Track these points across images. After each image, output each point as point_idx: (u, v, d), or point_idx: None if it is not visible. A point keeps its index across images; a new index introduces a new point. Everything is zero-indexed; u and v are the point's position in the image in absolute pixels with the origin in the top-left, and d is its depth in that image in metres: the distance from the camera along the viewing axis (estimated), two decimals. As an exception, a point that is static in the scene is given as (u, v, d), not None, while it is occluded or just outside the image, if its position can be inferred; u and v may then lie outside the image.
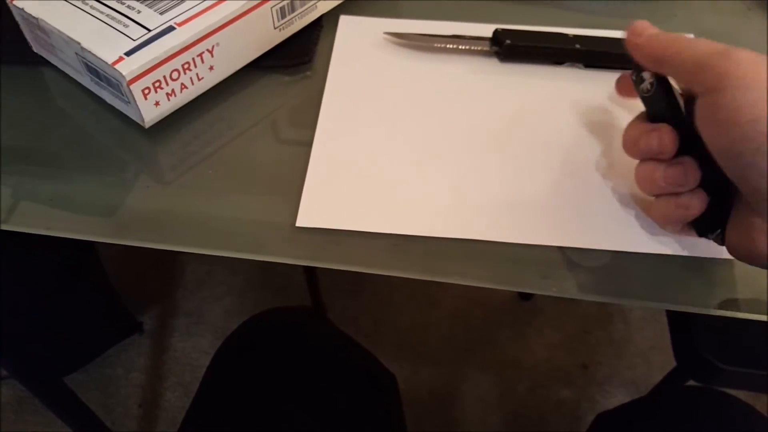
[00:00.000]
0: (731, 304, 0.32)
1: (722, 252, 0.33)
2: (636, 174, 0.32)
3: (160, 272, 1.18)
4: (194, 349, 1.08)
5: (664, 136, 0.30)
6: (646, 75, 0.31)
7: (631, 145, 0.32)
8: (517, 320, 1.13)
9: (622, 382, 1.05)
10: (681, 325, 0.68)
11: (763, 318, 0.32)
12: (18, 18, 0.39)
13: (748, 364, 0.62)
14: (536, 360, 1.08)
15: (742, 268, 0.33)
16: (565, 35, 0.42)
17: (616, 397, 1.04)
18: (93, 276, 0.94)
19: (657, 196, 0.32)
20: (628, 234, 0.34)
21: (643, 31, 0.31)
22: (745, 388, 0.65)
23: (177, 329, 1.11)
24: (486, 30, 0.43)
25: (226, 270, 1.18)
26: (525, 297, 1.15)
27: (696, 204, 0.30)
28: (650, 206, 0.33)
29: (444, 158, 0.37)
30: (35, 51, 0.41)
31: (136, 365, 1.06)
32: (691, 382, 0.68)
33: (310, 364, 0.53)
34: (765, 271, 0.32)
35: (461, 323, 1.12)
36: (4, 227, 0.34)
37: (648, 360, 1.08)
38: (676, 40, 0.29)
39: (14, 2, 0.38)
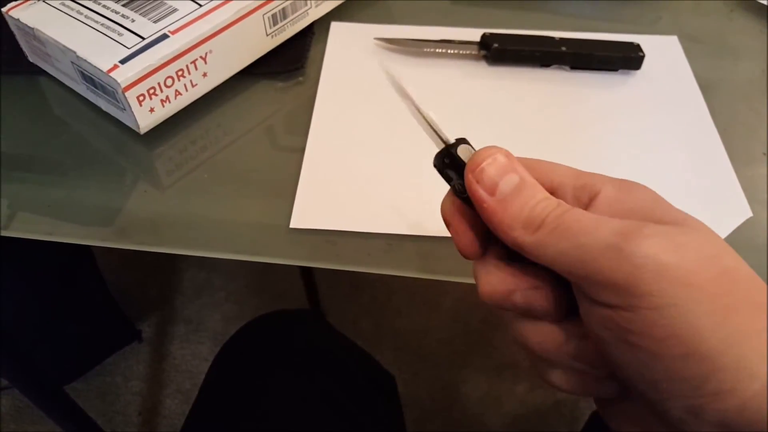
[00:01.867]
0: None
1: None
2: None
3: (159, 280, 1.18)
4: (193, 356, 1.09)
5: (550, 297, 0.22)
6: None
7: (499, 296, 0.24)
8: (515, 322, 1.13)
9: (619, 382, 1.06)
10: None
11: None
12: (14, 28, 0.40)
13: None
14: (534, 361, 1.08)
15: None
16: (552, 38, 0.43)
17: (614, 397, 1.04)
18: (91, 284, 0.94)
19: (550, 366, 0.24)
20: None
21: (491, 180, 0.22)
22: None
23: (176, 336, 1.11)
24: (474, 34, 0.44)
25: (225, 276, 1.18)
26: (522, 298, 1.16)
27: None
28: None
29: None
30: (31, 60, 0.42)
31: (135, 373, 1.06)
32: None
33: (309, 367, 0.54)
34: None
35: (460, 326, 1.13)
36: (6, 233, 0.34)
37: (645, 359, 1.08)
38: (559, 220, 0.20)
39: (10, 12, 0.39)
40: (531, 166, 0.23)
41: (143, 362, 1.08)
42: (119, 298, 1.00)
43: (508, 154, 0.22)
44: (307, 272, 1.08)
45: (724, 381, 0.17)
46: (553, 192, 0.22)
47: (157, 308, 1.14)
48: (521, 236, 0.21)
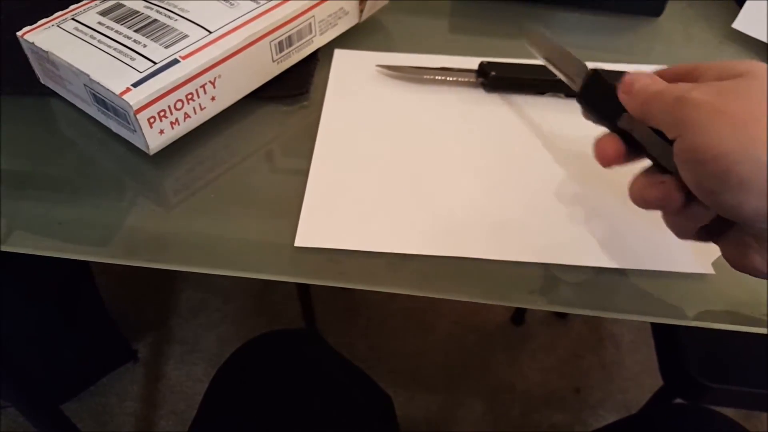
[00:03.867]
0: (712, 315, 0.34)
1: (702, 266, 0.34)
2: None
3: (155, 300, 1.18)
4: (188, 377, 1.08)
5: (669, 189, 0.29)
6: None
7: (638, 198, 0.31)
8: (511, 345, 1.14)
9: (614, 406, 1.06)
10: (667, 344, 0.69)
11: (743, 329, 0.34)
12: (27, 51, 0.41)
13: (735, 381, 0.64)
14: (529, 384, 1.08)
15: (721, 281, 0.35)
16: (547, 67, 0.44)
17: (609, 421, 1.04)
18: (89, 303, 0.94)
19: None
20: (610, 251, 0.36)
21: (633, 85, 0.30)
22: (731, 405, 0.66)
23: (171, 357, 1.11)
24: (472, 63, 0.45)
25: (221, 298, 1.18)
26: (517, 322, 1.17)
27: (702, 214, 0.29)
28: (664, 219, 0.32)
29: (435, 182, 0.39)
30: (43, 82, 0.43)
31: (130, 393, 1.06)
32: (679, 401, 0.69)
33: (306, 386, 0.54)
34: (742, 284, 0.33)
35: (456, 348, 1.13)
36: (16, 250, 0.35)
37: (639, 383, 1.08)
38: (655, 93, 0.29)
39: (25, 36, 0.40)
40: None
41: (138, 383, 1.07)
42: (116, 318, 1.00)
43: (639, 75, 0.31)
44: (303, 294, 1.09)
45: (742, 171, 0.25)
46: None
47: (153, 328, 1.14)
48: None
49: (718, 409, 0.54)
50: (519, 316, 1.16)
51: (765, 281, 0.34)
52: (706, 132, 0.25)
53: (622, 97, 0.31)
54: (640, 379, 1.09)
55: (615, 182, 0.39)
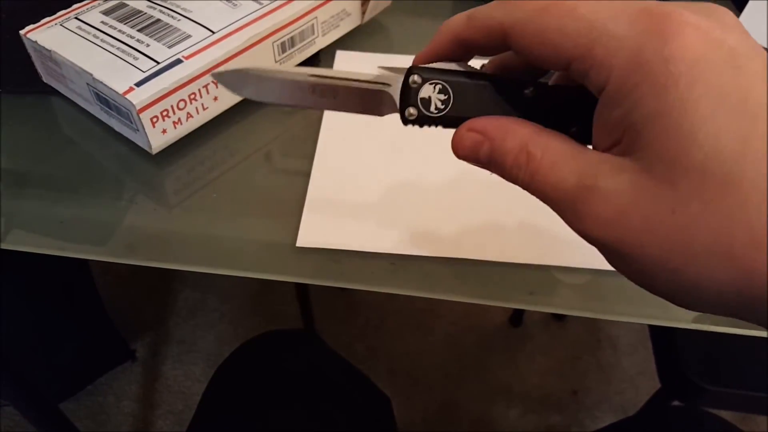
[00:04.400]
0: (709, 318, 0.34)
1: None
2: None
3: (153, 300, 1.18)
4: (186, 376, 1.08)
5: None
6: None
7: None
8: (509, 347, 1.14)
9: (611, 408, 1.06)
10: (665, 346, 0.70)
11: (741, 332, 0.34)
12: (30, 50, 0.41)
13: (732, 384, 0.64)
14: (527, 386, 1.09)
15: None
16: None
17: (606, 423, 1.04)
18: (87, 303, 0.94)
19: None
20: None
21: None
22: (728, 408, 0.66)
23: (169, 357, 1.11)
24: (473, 64, 0.45)
25: (219, 298, 1.18)
26: (515, 324, 1.17)
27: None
28: None
29: (437, 183, 0.39)
30: (45, 81, 0.43)
31: (127, 393, 1.06)
32: (676, 403, 0.69)
33: (304, 387, 0.54)
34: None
35: (454, 350, 1.13)
36: (17, 248, 0.35)
37: (636, 385, 1.09)
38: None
39: (28, 35, 0.40)
40: None
41: (135, 382, 1.07)
42: (114, 318, 1.00)
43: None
44: (302, 294, 1.09)
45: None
46: None
47: (151, 328, 1.14)
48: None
49: (715, 411, 0.55)
50: (517, 317, 1.16)
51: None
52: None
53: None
54: (638, 381, 1.09)
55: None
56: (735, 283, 0.16)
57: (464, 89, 0.23)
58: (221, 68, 0.26)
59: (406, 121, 0.24)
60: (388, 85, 0.24)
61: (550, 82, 0.24)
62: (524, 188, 0.22)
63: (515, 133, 0.21)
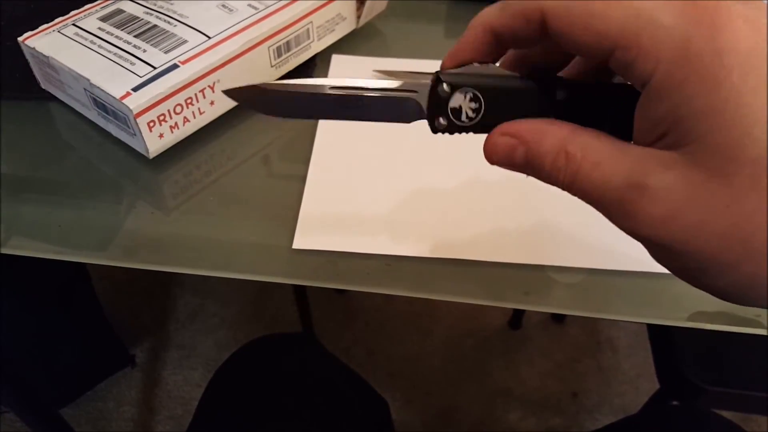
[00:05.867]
0: (707, 316, 0.34)
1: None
2: None
3: (153, 305, 1.18)
4: (186, 382, 1.08)
5: None
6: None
7: None
8: (508, 349, 1.14)
9: (611, 410, 1.06)
10: (664, 346, 0.70)
11: (739, 330, 0.34)
12: (28, 56, 0.42)
13: (731, 384, 0.64)
14: (527, 388, 1.09)
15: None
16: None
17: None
18: (87, 308, 0.94)
19: None
20: (605, 253, 0.36)
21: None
22: (728, 408, 0.66)
23: (169, 362, 1.11)
24: (469, 67, 0.46)
25: (218, 303, 1.18)
26: (514, 326, 1.17)
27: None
28: None
29: (432, 185, 0.40)
30: (43, 87, 0.43)
31: (127, 399, 1.06)
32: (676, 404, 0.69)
33: (303, 390, 0.54)
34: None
35: (453, 353, 1.13)
36: (16, 252, 0.36)
37: (636, 387, 1.09)
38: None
39: (26, 41, 0.40)
40: None
41: (135, 388, 1.07)
42: (113, 323, 1.00)
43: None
44: (301, 298, 1.09)
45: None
46: None
47: (151, 334, 1.14)
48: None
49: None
50: (516, 320, 1.17)
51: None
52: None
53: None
54: (637, 382, 1.09)
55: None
56: None
57: (496, 95, 0.22)
58: (234, 86, 0.25)
59: (435, 130, 0.23)
60: (415, 92, 0.23)
61: (562, 74, 0.23)
62: (565, 190, 0.21)
63: (551, 134, 0.21)
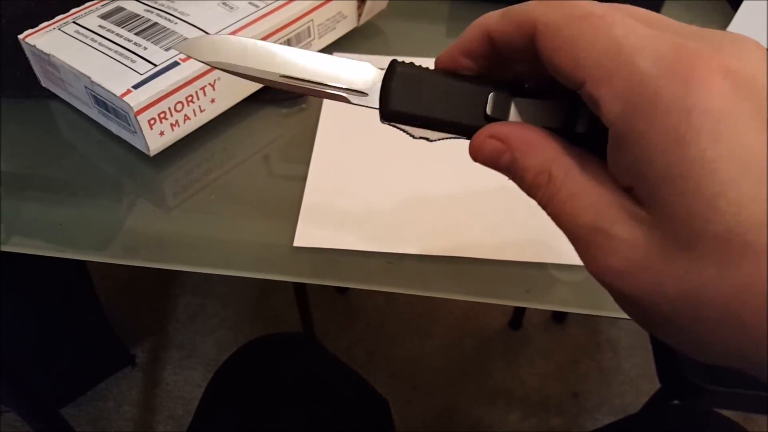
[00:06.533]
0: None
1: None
2: None
3: (153, 305, 1.18)
4: (186, 382, 1.08)
5: None
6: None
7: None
8: (508, 350, 1.14)
9: (611, 410, 1.06)
10: (664, 346, 0.69)
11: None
12: (29, 54, 0.42)
13: (732, 384, 0.64)
14: (527, 389, 1.09)
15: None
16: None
17: (607, 425, 1.05)
18: (88, 308, 0.94)
19: None
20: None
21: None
22: (729, 407, 0.66)
23: (169, 362, 1.11)
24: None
25: (219, 303, 1.18)
26: (515, 327, 1.17)
27: None
28: None
29: (433, 183, 0.39)
30: (44, 85, 0.43)
31: (128, 399, 1.06)
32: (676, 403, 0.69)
33: (303, 390, 0.54)
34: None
35: (453, 354, 1.13)
36: (18, 250, 0.35)
37: (637, 387, 1.09)
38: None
39: (26, 39, 0.40)
40: None
41: (136, 388, 1.07)
42: (114, 323, 1.00)
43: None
44: (301, 298, 1.09)
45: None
46: None
47: (151, 334, 1.14)
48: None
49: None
50: (516, 320, 1.16)
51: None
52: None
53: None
54: (638, 383, 1.09)
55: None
56: (742, 348, 0.16)
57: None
58: (190, 39, 0.25)
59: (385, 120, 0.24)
60: (364, 94, 0.24)
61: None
62: (541, 206, 0.21)
63: (540, 150, 0.20)
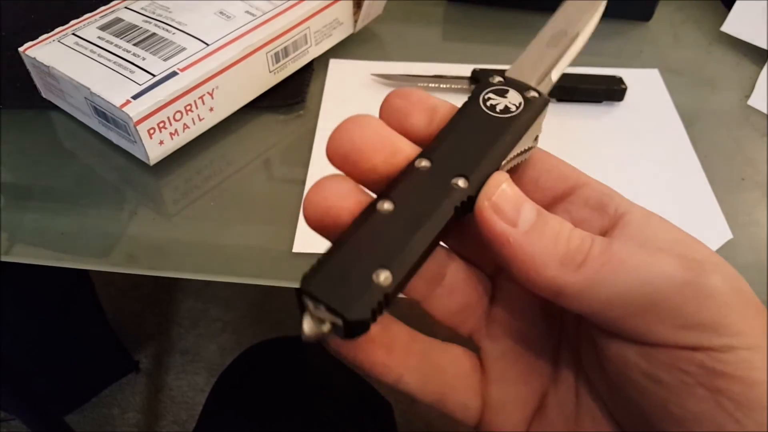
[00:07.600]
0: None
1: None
2: None
3: (156, 311, 1.19)
4: (190, 387, 1.09)
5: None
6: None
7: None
8: (510, 350, 1.14)
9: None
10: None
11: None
12: (29, 66, 0.42)
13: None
14: (530, 389, 1.09)
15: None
16: (539, 72, 0.45)
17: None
18: (91, 314, 0.95)
19: None
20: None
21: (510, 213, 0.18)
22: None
23: (173, 367, 1.11)
24: (465, 70, 0.46)
25: (221, 307, 1.19)
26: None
27: None
28: None
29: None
30: (44, 96, 0.44)
31: (132, 404, 1.06)
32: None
33: (307, 393, 0.54)
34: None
35: (455, 354, 1.13)
36: (21, 260, 0.36)
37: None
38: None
39: (26, 51, 0.41)
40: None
41: (140, 393, 1.08)
42: (117, 329, 1.01)
43: (509, 180, 0.19)
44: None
45: None
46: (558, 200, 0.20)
47: (154, 339, 1.14)
48: (561, 276, 0.17)
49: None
50: (519, 320, 1.16)
51: (765, 278, 0.35)
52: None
53: (500, 233, 0.18)
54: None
55: (615, 180, 0.40)
56: None
57: None
58: None
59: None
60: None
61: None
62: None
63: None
